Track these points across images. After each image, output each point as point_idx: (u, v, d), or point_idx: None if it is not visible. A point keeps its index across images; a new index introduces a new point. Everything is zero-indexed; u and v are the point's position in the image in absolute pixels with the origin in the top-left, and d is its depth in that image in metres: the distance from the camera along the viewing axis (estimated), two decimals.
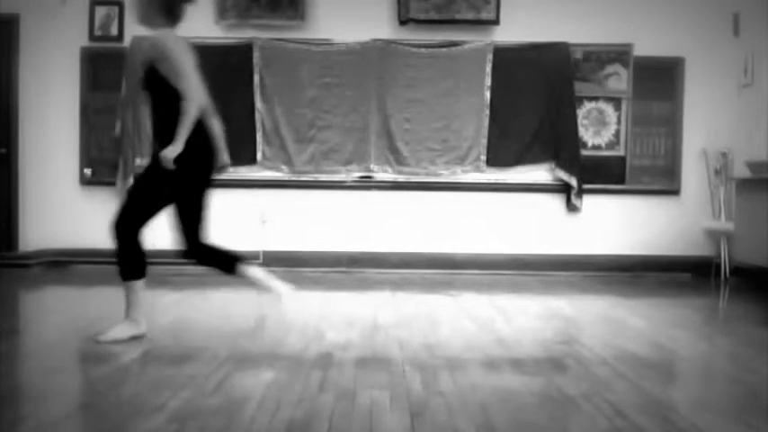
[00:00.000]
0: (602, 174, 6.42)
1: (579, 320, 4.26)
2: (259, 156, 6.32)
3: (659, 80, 6.43)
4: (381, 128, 6.33)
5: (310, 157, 6.32)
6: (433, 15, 6.28)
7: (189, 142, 3.14)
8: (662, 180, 6.48)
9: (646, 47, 6.35)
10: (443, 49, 6.34)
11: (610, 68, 6.39)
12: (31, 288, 5.32)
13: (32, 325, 4.03)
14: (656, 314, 4.44)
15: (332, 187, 6.32)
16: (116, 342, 3.21)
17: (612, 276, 6.23)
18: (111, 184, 6.26)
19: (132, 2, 3.38)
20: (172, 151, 3.10)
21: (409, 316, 4.12)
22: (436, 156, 6.35)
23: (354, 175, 6.36)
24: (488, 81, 6.32)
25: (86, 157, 6.39)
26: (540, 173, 6.40)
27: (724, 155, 6.35)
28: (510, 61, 6.32)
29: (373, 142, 6.33)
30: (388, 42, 6.33)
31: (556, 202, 6.44)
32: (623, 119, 6.44)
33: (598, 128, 6.44)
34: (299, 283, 3.51)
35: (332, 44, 6.33)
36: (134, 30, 6.26)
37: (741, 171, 5.98)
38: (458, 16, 6.28)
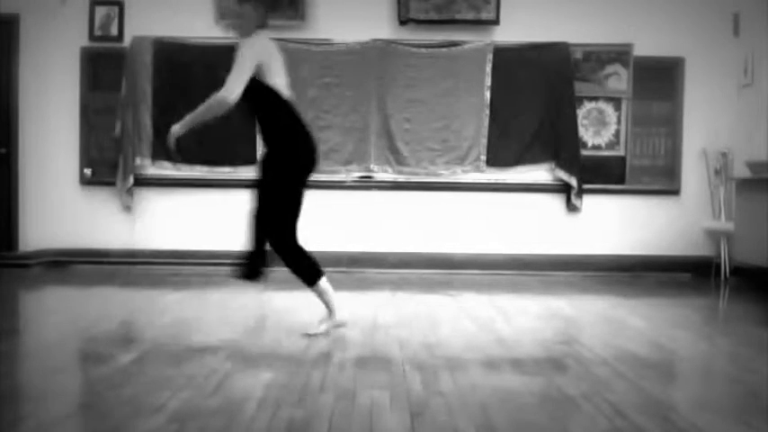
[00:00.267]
0: (602, 174, 6.42)
1: (579, 320, 4.25)
2: (259, 156, 6.30)
3: (659, 80, 6.43)
4: (381, 128, 6.33)
5: None
6: (433, 15, 6.28)
7: (294, 142, 3.38)
8: (662, 180, 6.49)
9: (646, 47, 6.35)
10: (443, 49, 6.34)
11: (610, 68, 6.39)
12: (31, 288, 5.32)
13: (32, 325, 4.03)
14: (656, 314, 4.44)
15: (332, 187, 6.31)
16: (323, 335, 3.45)
17: (612, 276, 6.23)
18: (111, 184, 6.27)
19: (232, 24, 3.65)
20: (176, 129, 3.32)
21: (409, 316, 4.13)
22: (436, 156, 6.35)
23: (354, 175, 6.36)
24: (488, 81, 6.32)
25: (86, 157, 6.40)
26: (540, 173, 6.40)
27: (724, 155, 6.35)
28: (510, 61, 6.32)
29: (373, 142, 6.33)
30: (388, 42, 6.33)
31: (556, 202, 6.44)
32: (623, 119, 6.44)
33: (598, 128, 6.44)
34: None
35: (332, 44, 6.33)
36: (134, 30, 6.30)
37: (741, 171, 5.98)
38: (458, 16, 6.28)
